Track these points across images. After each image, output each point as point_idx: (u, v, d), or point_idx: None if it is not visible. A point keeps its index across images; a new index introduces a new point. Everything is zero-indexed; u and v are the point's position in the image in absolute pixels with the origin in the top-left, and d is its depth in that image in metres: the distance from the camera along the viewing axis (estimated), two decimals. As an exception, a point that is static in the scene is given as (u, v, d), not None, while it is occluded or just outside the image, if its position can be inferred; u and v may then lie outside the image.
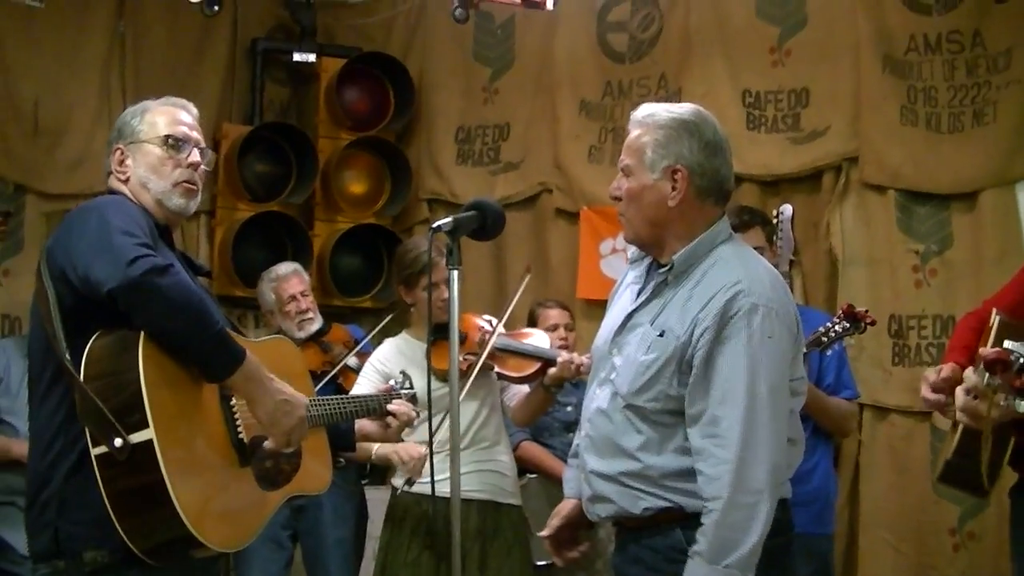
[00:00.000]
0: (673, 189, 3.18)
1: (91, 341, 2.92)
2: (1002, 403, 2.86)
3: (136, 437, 2.80)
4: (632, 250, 3.47)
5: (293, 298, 5.54)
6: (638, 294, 3.32)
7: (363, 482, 5.86)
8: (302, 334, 5.49)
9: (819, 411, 4.53)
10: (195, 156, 3.30)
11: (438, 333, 4.29)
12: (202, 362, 2.95)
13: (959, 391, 2.99)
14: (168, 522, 2.79)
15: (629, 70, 6.60)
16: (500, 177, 6.78)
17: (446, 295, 4.61)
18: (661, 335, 3.17)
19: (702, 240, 3.21)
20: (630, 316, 3.31)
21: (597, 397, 3.33)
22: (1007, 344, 2.74)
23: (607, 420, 3.26)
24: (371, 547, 5.75)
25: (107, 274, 2.82)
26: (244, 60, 7.03)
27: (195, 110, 3.42)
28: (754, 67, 6.23)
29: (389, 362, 4.69)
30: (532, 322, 5.80)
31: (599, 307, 4.96)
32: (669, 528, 3.12)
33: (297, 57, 6.96)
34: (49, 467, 2.95)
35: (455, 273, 3.19)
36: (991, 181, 5.67)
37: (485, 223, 3.28)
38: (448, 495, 4.58)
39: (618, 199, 3.31)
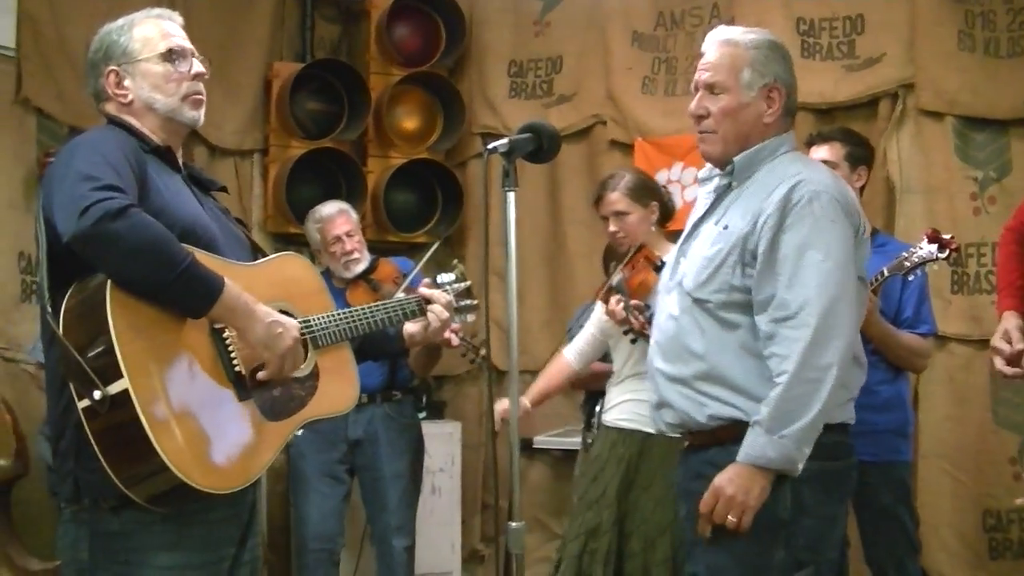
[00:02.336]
0: (769, 107, 3.29)
1: (68, 293, 2.83)
2: None
3: (113, 388, 2.70)
4: (704, 170, 3.51)
5: (338, 239, 5.44)
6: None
7: (420, 416, 5.89)
8: (348, 275, 5.44)
9: (890, 346, 4.46)
10: (197, 66, 3.20)
11: None
12: (175, 302, 2.82)
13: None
14: (157, 471, 2.71)
15: (681, 0, 6.54)
16: (553, 110, 6.73)
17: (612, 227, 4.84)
18: (724, 229, 3.25)
19: (766, 145, 3.31)
20: (696, 225, 3.40)
21: (665, 305, 3.40)
22: None
23: (674, 323, 3.32)
24: (429, 481, 5.81)
25: (64, 226, 2.72)
26: (294, -1, 7.01)
27: (180, 18, 3.29)
28: (808, -6, 6.15)
29: None
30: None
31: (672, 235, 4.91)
32: (733, 444, 3.12)
33: (348, -7, 6.95)
34: (61, 417, 2.90)
35: (511, 195, 3.16)
36: (1051, 106, 5.60)
37: (541, 145, 3.26)
38: (608, 423, 4.87)
39: (702, 117, 3.34)
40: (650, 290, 4.61)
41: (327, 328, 3.24)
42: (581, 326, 5.16)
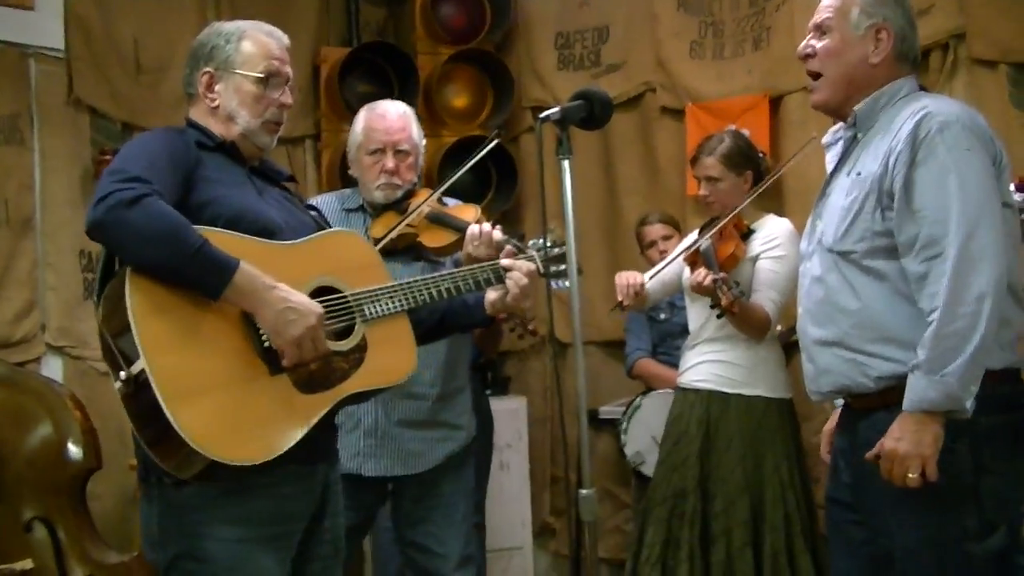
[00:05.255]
0: (876, 48, 3.26)
1: (109, 282, 2.94)
2: None
3: (135, 368, 2.78)
4: (828, 134, 3.48)
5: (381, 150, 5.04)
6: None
7: (487, 392, 5.91)
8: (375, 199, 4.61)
9: None
10: (287, 97, 3.31)
11: None
12: (190, 284, 2.89)
13: None
14: (180, 447, 2.77)
15: (726, -37, 6.48)
16: (603, 79, 6.69)
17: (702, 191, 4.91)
18: (858, 175, 3.21)
19: (884, 91, 3.28)
20: (828, 183, 3.37)
21: (808, 269, 3.36)
22: None
23: (821, 285, 3.28)
24: (497, 457, 5.84)
25: (87, 215, 2.88)
26: (338, -16, 7.02)
27: (287, 39, 3.40)
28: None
29: None
30: (638, 239, 5.89)
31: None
32: (899, 405, 3.03)
33: (391, -24, 6.95)
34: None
35: (566, 163, 3.16)
36: (1104, 48, 5.53)
37: (593, 111, 3.24)
38: (684, 385, 4.99)
39: (809, 57, 3.35)
40: (739, 262, 4.65)
41: (378, 300, 3.26)
42: (631, 331, 5.29)
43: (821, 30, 3.31)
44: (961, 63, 5.74)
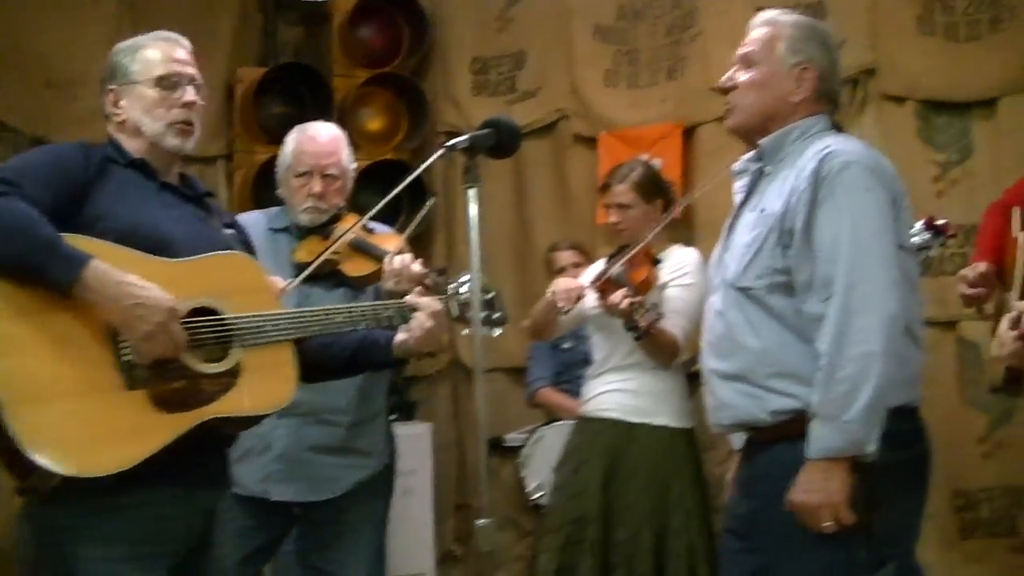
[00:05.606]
0: (799, 86, 3.27)
1: None
2: None
3: None
4: (738, 163, 3.48)
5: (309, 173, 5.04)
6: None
7: (391, 417, 5.88)
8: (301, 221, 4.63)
9: None
10: (189, 95, 3.27)
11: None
12: (40, 280, 2.85)
13: (1003, 330, 3.00)
14: (20, 453, 2.74)
15: (643, -8, 6.54)
16: (517, 106, 6.73)
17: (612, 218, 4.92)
18: (761, 212, 3.22)
19: (797, 126, 3.30)
20: (735, 218, 3.38)
21: (713, 304, 3.36)
22: None
23: (723, 320, 3.28)
24: (401, 483, 5.81)
25: None
26: (255, 3, 6.98)
27: (188, 43, 3.38)
28: (771, -18, 6.17)
29: None
30: (548, 265, 5.92)
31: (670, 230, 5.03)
32: (798, 438, 3.05)
33: (309, -4, 6.92)
34: None
35: (473, 191, 3.16)
36: (1010, 88, 5.62)
37: (501, 139, 3.27)
38: (588, 415, 4.97)
39: (731, 88, 3.35)
40: (653, 286, 4.65)
41: (261, 327, 3.17)
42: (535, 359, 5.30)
43: (747, 62, 3.33)
44: (871, 98, 5.84)
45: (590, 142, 6.52)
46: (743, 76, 3.32)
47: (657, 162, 5.28)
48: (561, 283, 4.78)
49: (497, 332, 3.62)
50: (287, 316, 3.26)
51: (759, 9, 5.86)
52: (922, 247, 4.33)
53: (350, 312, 3.42)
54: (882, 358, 2.96)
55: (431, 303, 3.52)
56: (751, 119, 3.32)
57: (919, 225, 4.34)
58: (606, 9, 6.58)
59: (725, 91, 3.38)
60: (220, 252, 3.24)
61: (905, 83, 5.76)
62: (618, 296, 4.51)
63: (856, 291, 3.00)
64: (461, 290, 3.68)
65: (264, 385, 3.16)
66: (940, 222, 4.33)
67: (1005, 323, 2.98)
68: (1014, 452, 5.55)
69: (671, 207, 4.99)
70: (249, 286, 3.24)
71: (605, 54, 6.54)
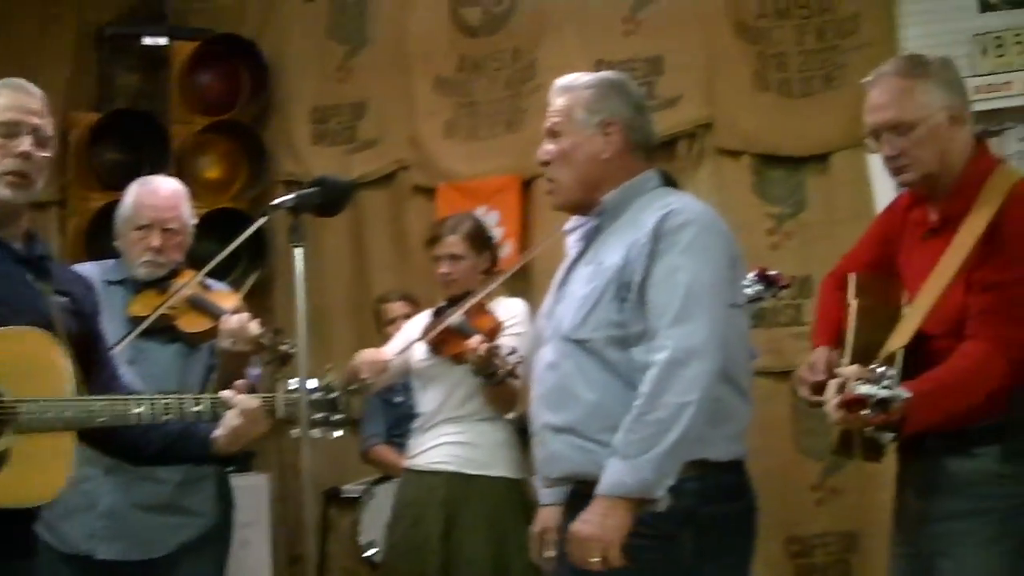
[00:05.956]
0: (606, 143, 3.27)
1: None
2: (866, 432, 3.01)
3: None
4: (570, 222, 3.48)
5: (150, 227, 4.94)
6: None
7: (228, 469, 5.78)
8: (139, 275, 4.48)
9: None
10: (24, 145, 3.09)
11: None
12: None
13: (828, 395, 3.02)
14: None
15: (483, 44, 6.57)
16: (357, 156, 6.70)
17: (443, 268, 4.90)
18: (599, 265, 3.21)
19: (632, 184, 3.30)
20: (569, 271, 3.36)
21: (544, 356, 3.33)
22: (860, 389, 2.81)
23: (555, 372, 3.25)
24: (239, 535, 5.72)
25: None
26: (91, 47, 6.86)
27: (36, 90, 3.22)
28: (608, 37, 6.24)
29: None
30: (377, 317, 5.90)
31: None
32: None
33: (147, 41, 6.76)
34: None
35: (299, 251, 3.13)
36: (842, 143, 5.79)
37: (327, 198, 3.24)
38: (420, 468, 4.88)
39: (546, 164, 3.35)
40: (501, 331, 4.65)
41: (37, 413, 2.96)
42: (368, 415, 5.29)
43: (553, 134, 3.34)
44: (708, 152, 5.95)
45: (429, 193, 6.51)
46: (553, 149, 3.33)
47: (495, 214, 5.28)
48: (366, 355, 4.75)
49: (337, 434, 3.39)
50: (74, 404, 3.03)
51: (599, 62, 6.06)
52: (755, 298, 4.38)
53: (152, 404, 3.17)
54: (694, 411, 2.98)
55: (245, 401, 3.26)
56: (573, 194, 3.33)
57: (752, 276, 4.41)
58: (447, 61, 6.61)
59: (543, 165, 3.39)
60: (20, 328, 3.00)
61: (740, 138, 5.89)
62: (475, 342, 4.53)
63: (681, 344, 3.02)
64: (297, 394, 3.35)
65: (29, 476, 2.94)
66: (772, 273, 4.40)
67: (832, 389, 3.01)
68: (846, 499, 5.66)
69: (498, 262, 5.03)
70: (39, 366, 3.01)
71: (445, 106, 6.56)
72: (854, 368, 3.02)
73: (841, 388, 2.94)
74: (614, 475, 3.00)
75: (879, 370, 2.85)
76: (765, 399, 5.69)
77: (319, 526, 6.11)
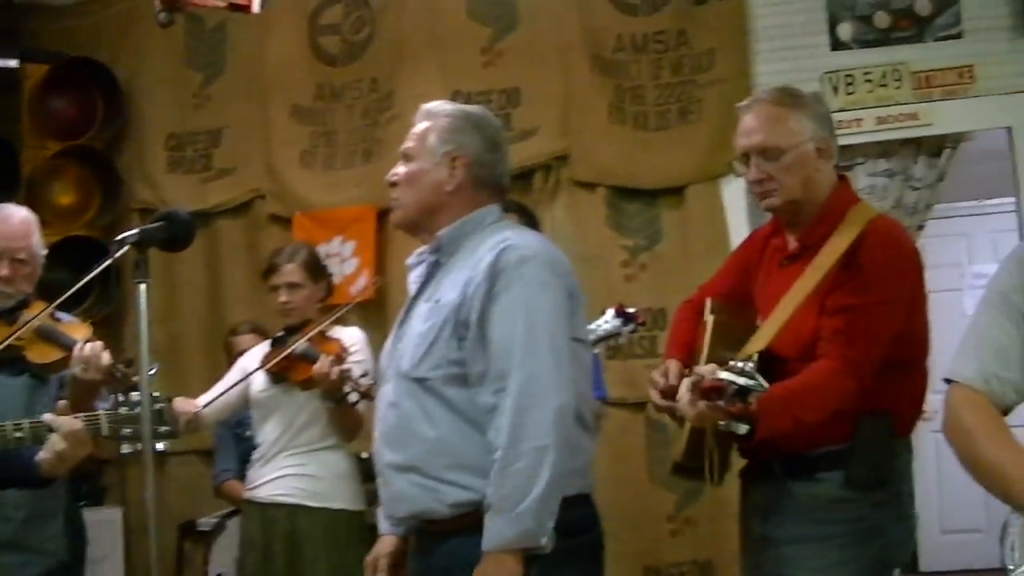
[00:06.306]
0: (451, 175, 3.24)
1: None
2: (721, 426, 3.01)
3: None
4: (412, 256, 3.45)
5: None
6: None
7: (80, 504, 5.68)
8: None
9: None
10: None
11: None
12: None
13: (683, 393, 3.07)
14: None
15: (342, 73, 6.56)
16: (213, 184, 6.63)
17: (283, 297, 4.86)
18: (437, 303, 3.18)
19: (470, 219, 3.27)
20: (409, 308, 3.32)
21: (386, 394, 3.29)
22: (721, 374, 2.87)
23: (396, 410, 3.21)
24: (92, 571, 5.63)
25: None
26: (-63, 68, 6.71)
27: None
28: (466, 68, 6.29)
29: None
30: (227, 349, 5.85)
31: (331, 312, 4.97)
32: (475, 530, 3.01)
33: (-3, 63, 6.68)
34: None
35: (143, 287, 3.09)
36: (697, 177, 5.90)
37: (173, 233, 3.20)
38: (262, 500, 4.82)
39: (394, 184, 3.33)
40: (347, 356, 4.64)
41: None
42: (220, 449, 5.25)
43: (406, 157, 3.35)
44: (563, 184, 6.00)
45: (285, 223, 6.47)
46: (402, 171, 3.34)
47: (351, 244, 5.26)
48: (178, 403, 4.69)
49: (161, 446, 3.48)
50: None
51: (456, 93, 6.08)
52: (612, 334, 4.41)
53: None
54: (554, 451, 2.97)
55: (67, 423, 3.30)
56: (412, 214, 3.32)
57: (610, 312, 4.44)
58: (304, 89, 6.58)
59: (392, 185, 3.40)
60: None
61: (596, 170, 5.96)
62: (325, 365, 4.52)
63: (529, 386, 3.00)
64: (123, 409, 3.45)
65: None
66: (631, 310, 4.42)
67: (686, 385, 3.04)
68: (701, 528, 5.74)
69: (332, 291, 5.06)
70: None
71: (302, 134, 6.53)
72: (711, 365, 3.06)
73: (696, 385, 2.98)
74: (495, 531, 2.98)
75: (739, 364, 2.90)
76: (620, 430, 5.76)
77: (174, 559, 6.02)
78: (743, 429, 3.03)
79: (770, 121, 3.37)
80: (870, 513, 3.26)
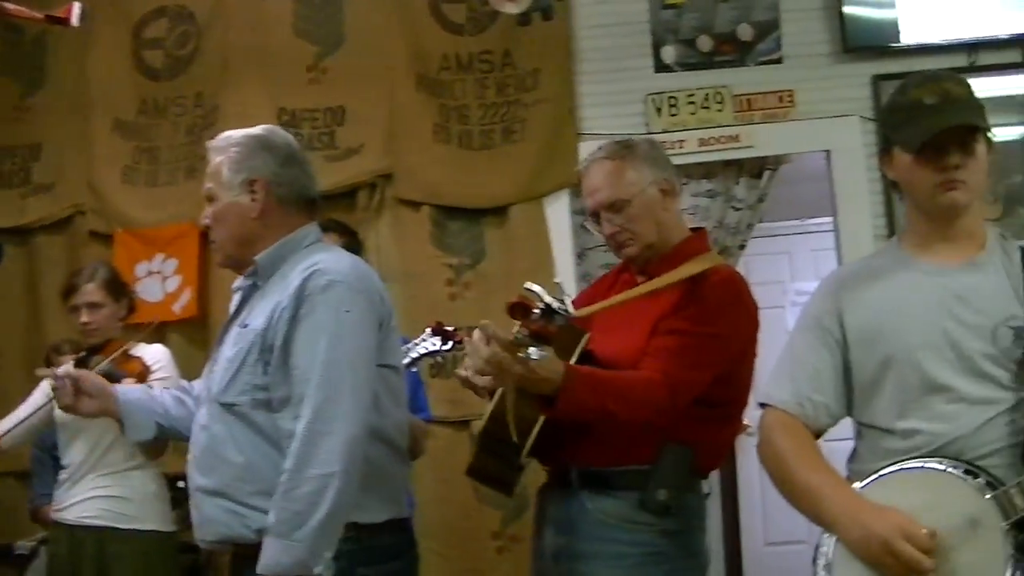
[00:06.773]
0: (252, 201, 3.24)
1: None
2: (524, 354, 2.99)
3: None
4: (237, 281, 3.42)
5: None
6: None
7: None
8: None
9: None
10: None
11: None
12: None
13: (476, 338, 3.02)
14: None
15: (166, 88, 6.45)
16: (32, 199, 6.46)
17: (84, 318, 4.78)
18: (245, 327, 3.17)
19: (287, 241, 3.27)
20: (226, 329, 3.31)
21: (199, 418, 3.27)
22: (529, 285, 2.91)
23: (206, 434, 3.19)
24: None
25: None
26: None
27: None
28: (291, 85, 6.25)
29: None
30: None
31: (134, 330, 4.90)
32: None
33: None
34: None
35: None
36: (521, 196, 5.95)
37: None
38: (70, 522, 4.75)
39: (208, 227, 3.33)
40: (149, 375, 4.60)
41: None
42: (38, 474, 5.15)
43: (208, 197, 3.32)
44: (388, 203, 6.00)
45: (107, 239, 6.34)
46: (210, 212, 3.32)
47: (173, 262, 5.19)
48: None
49: None
50: None
51: (281, 110, 6.05)
52: (432, 352, 4.42)
53: None
54: (341, 481, 2.97)
55: None
56: (230, 250, 3.31)
57: (428, 331, 4.44)
58: (127, 104, 6.46)
59: (207, 228, 3.38)
60: None
61: (420, 189, 5.98)
62: (127, 385, 4.46)
63: (323, 412, 2.99)
64: None
65: None
66: (449, 328, 4.43)
67: (477, 334, 3.03)
68: (526, 545, 5.70)
69: (135, 309, 5.02)
70: None
71: (125, 150, 6.40)
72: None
73: (487, 339, 2.97)
74: (271, 555, 2.97)
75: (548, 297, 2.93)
76: (445, 449, 5.76)
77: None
78: (542, 355, 3.01)
79: (610, 176, 3.48)
80: (658, 539, 3.31)
